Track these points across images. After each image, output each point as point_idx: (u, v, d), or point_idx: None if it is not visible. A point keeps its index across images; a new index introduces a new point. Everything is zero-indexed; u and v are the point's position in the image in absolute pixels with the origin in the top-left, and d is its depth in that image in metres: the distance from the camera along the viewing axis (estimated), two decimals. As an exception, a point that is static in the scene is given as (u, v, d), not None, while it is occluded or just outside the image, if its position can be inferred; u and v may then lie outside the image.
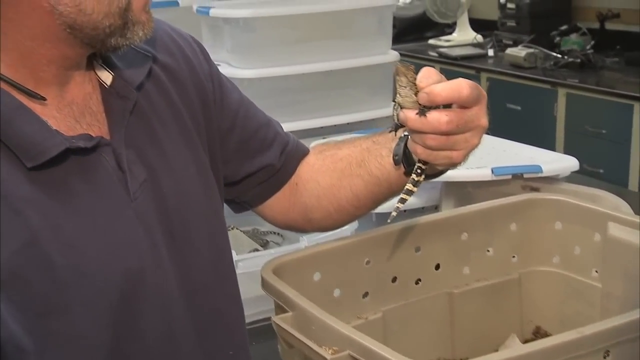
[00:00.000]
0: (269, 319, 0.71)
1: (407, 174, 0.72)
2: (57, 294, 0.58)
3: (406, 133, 0.71)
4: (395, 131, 0.71)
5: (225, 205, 0.81)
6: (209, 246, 0.72)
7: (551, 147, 2.80)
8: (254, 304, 1.07)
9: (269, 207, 0.84)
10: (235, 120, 0.79)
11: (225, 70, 1.70)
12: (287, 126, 1.73)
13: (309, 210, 0.82)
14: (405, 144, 0.72)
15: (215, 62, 1.87)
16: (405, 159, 0.73)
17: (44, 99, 0.61)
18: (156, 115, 0.69)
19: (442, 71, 3.23)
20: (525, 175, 1.20)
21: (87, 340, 0.60)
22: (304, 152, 0.85)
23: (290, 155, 0.83)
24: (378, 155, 0.77)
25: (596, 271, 0.88)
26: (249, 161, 0.80)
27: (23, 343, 0.57)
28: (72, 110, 0.64)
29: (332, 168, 0.81)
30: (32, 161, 0.58)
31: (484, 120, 0.70)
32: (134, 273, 0.63)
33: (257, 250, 1.26)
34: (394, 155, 0.74)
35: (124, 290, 0.62)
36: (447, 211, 1.05)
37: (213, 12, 1.70)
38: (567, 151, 2.78)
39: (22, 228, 0.57)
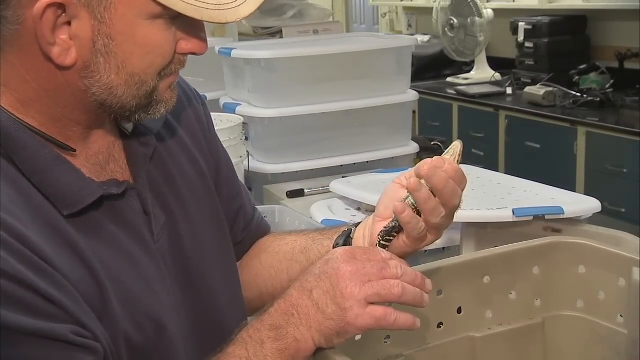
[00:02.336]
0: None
1: None
2: (110, 325, 0.61)
3: (350, 227, 0.78)
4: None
5: None
6: (224, 287, 0.75)
7: (571, 185, 2.78)
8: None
9: None
10: (220, 174, 0.82)
11: (246, 109, 1.73)
12: (307, 165, 1.76)
13: (245, 287, 0.84)
14: (348, 236, 0.77)
15: (236, 102, 1.91)
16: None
17: (74, 150, 0.65)
18: (172, 161, 0.74)
19: (460, 109, 3.26)
20: (546, 217, 1.19)
21: None
22: (265, 232, 0.89)
23: (251, 232, 0.87)
24: (320, 244, 0.81)
25: (621, 316, 0.87)
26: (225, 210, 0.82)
27: None
28: (98, 159, 0.68)
29: (277, 250, 0.85)
30: (69, 209, 0.61)
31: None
32: (159, 311, 0.66)
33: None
34: (334, 245, 0.78)
35: (151, 326, 0.66)
36: (469, 254, 1.05)
37: (235, 53, 1.74)
38: (588, 190, 2.76)
39: (81, 260, 0.60)
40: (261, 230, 0.88)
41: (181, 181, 0.73)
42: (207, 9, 0.61)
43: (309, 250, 0.81)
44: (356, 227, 0.79)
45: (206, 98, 2.15)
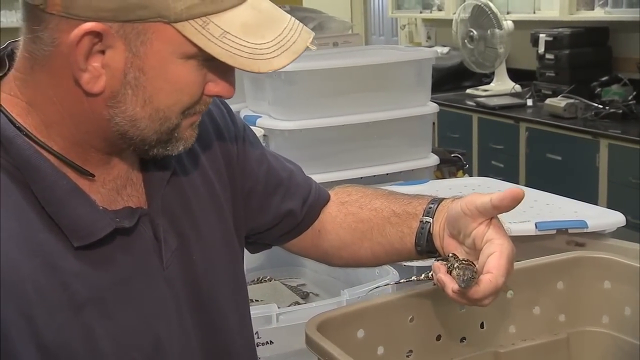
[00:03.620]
0: (312, 375, 0.71)
1: (426, 256, 0.80)
2: None
3: (427, 220, 0.79)
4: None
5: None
6: (234, 309, 0.75)
7: (593, 198, 2.75)
8: (291, 358, 1.06)
9: (289, 246, 0.89)
10: (257, 178, 0.81)
11: (266, 122, 1.73)
12: (327, 177, 1.76)
13: (329, 256, 0.88)
14: (428, 233, 0.78)
15: (257, 114, 1.91)
16: (427, 249, 0.79)
17: (93, 175, 0.65)
18: (189, 183, 0.73)
19: (480, 121, 3.23)
20: (570, 231, 1.18)
21: None
22: (325, 199, 0.88)
23: (312, 205, 0.86)
24: (399, 231, 0.81)
25: (648, 333, 0.86)
26: (271, 214, 0.83)
27: None
28: (115, 184, 0.67)
29: (354, 227, 0.85)
30: (80, 241, 0.61)
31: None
32: (162, 341, 0.66)
33: (297, 303, 1.26)
34: (417, 246, 0.79)
35: (152, 357, 0.65)
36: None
37: (256, 65, 1.75)
38: (610, 203, 2.73)
39: (69, 301, 0.60)
40: (322, 199, 0.87)
41: (195, 203, 0.73)
42: (242, 56, 0.60)
43: (388, 233, 0.82)
44: (433, 217, 0.79)
45: (227, 110, 2.14)
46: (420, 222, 0.78)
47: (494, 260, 0.70)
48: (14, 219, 0.59)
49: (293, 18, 0.64)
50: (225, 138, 0.79)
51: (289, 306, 1.22)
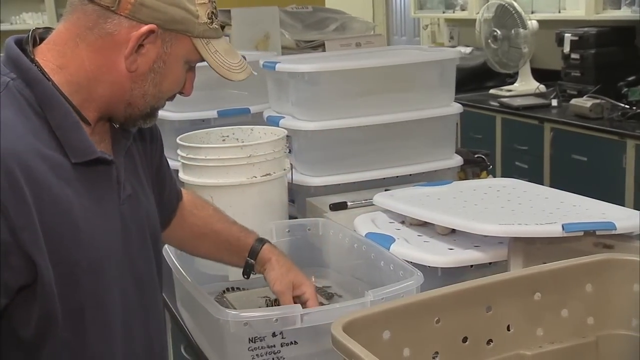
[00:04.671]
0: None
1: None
2: (80, 251, 0.84)
3: (251, 262, 1.19)
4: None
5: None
6: (158, 250, 1.05)
7: (620, 199, 2.71)
8: (315, 358, 1.06)
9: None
10: (160, 169, 1.10)
11: (289, 122, 1.74)
12: (351, 177, 1.76)
13: (185, 247, 1.26)
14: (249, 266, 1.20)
15: (280, 115, 1.92)
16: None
17: (89, 123, 0.90)
18: (137, 154, 1.01)
19: (503, 121, 3.20)
20: (597, 233, 1.16)
21: (87, 285, 0.86)
22: (179, 195, 1.19)
23: (172, 202, 1.18)
24: (230, 257, 1.22)
25: (679, 337, 0.84)
26: (162, 203, 1.11)
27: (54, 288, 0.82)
28: (96, 137, 0.91)
29: (197, 236, 1.21)
30: (77, 158, 0.85)
31: None
32: (114, 247, 0.90)
33: (321, 304, 1.26)
34: (244, 274, 1.21)
35: (108, 254, 0.89)
36: (519, 270, 1.03)
37: (279, 67, 1.75)
38: (638, 204, 2.68)
39: (64, 198, 0.83)
40: (179, 198, 1.20)
41: (140, 169, 1.00)
42: (223, 67, 0.94)
43: (220, 252, 1.22)
44: (255, 259, 1.20)
45: (250, 111, 2.16)
46: (246, 261, 1.19)
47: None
48: (32, 136, 0.82)
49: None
50: (153, 140, 1.08)
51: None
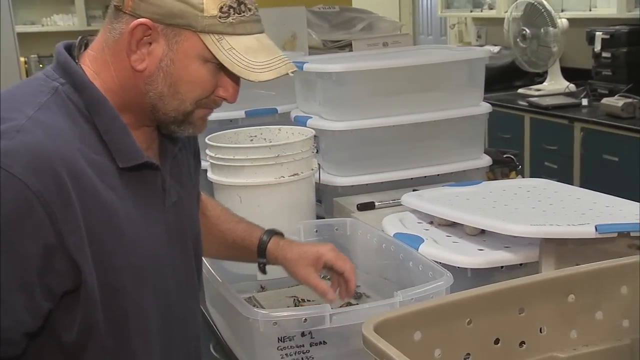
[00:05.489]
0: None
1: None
2: (124, 258, 0.83)
3: (262, 261, 1.19)
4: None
5: None
6: (199, 257, 1.04)
7: (653, 200, 2.66)
8: (345, 359, 1.06)
9: None
10: (197, 170, 1.10)
11: (316, 122, 1.74)
12: (378, 177, 1.76)
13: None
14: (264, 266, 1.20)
15: (307, 115, 1.92)
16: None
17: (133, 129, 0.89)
18: (182, 162, 0.99)
19: (532, 121, 3.15)
20: (632, 234, 1.14)
21: (129, 293, 0.85)
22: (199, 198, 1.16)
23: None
24: (239, 255, 1.22)
25: None
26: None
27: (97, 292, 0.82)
28: (142, 144, 0.89)
29: (206, 235, 1.11)
30: (124, 163, 0.85)
31: None
32: (160, 252, 0.90)
33: (350, 304, 1.26)
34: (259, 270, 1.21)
35: (153, 259, 0.89)
36: (553, 272, 1.01)
37: (307, 67, 1.75)
38: (671, 205, 2.62)
39: (110, 203, 0.82)
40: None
41: (184, 177, 1.00)
42: (239, 66, 0.85)
43: (229, 251, 1.23)
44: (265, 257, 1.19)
45: (277, 111, 2.16)
46: (259, 262, 1.19)
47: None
48: (80, 141, 0.82)
49: (284, 55, 0.88)
50: (194, 148, 1.08)
51: (341, 307, 1.21)
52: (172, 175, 0.94)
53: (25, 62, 4.62)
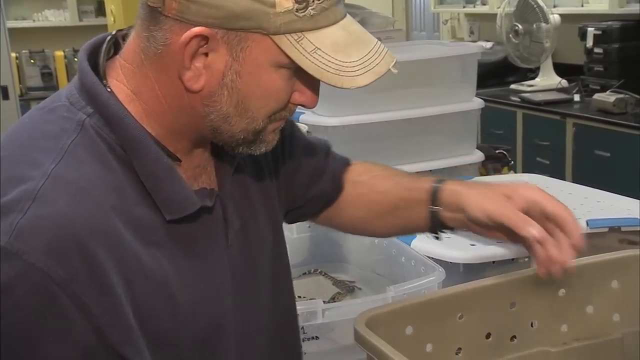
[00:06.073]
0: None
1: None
2: (182, 330, 0.68)
3: (434, 210, 0.85)
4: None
5: None
6: (273, 283, 0.83)
7: (644, 196, 2.67)
8: (342, 354, 1.06)
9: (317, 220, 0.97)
10: (300, 161, 0.90)
11: (309, 118, 1.73)
12: (371, 173, 1.74)
13: (344, 228, 0.99)
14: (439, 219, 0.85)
15: (300, 110, 1.91)
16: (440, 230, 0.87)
17: (180, 160, 0.72)
18: (248, 173, 0.81)
19: (524, 117, 3.17)
20: (622, 229, 1.15)
21: None
22: (345, 168, 0.95)
23: (337, 177, 0.94)
24: (409, 214, 0.89)
25: None
26: (308, 190, 0.91)
27: None
28: (194, 172, 0.74)
29: (367, 208, 0.93)
30: (173, 215, 0.68)
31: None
32: (224, 310, 0.74)
33: (339, 293, 1.26)
34: (430, 230, 0.88)
35: (217, 323, 0.73)
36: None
37: (300, 61, 1.75)
38: (662, 201, 2.64)
39: (157, 268, 0.66)
40: (342, 169, 0.95)
41: (252, 191, 0.81)
42: (328, 71, 0.65)
43: (401, 212, 0.90)
44: (439, 203, 0.85)
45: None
46: (430, 211, 0.85)
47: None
48: (114, 194, 0.64)
49: (379, 42, 0.69)
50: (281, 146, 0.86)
51: (331, 298, 1.22)
52: (234, 196, 0.77)
53: (17, 58, 4.59)
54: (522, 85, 3.64)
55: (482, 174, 1.92)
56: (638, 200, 1.30)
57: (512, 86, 3.70)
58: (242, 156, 0.77)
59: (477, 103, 1.85)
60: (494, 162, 2.05)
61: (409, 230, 0.94)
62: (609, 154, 2.96)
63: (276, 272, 0.83)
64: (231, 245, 0.75)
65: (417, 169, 1.80)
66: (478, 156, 1.88)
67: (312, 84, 0.69)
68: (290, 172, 0.89)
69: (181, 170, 0.71)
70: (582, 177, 2.99)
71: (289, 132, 0.88)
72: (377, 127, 1.74)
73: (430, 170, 1.81)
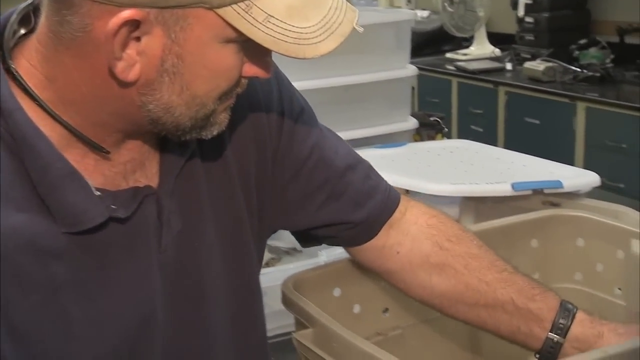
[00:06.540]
0: (288, 334, 0.71)
1: None
2: (69, 348, 0.59)
3: (558, 341, 0.72)
4: None
5: None
6: (233, 301, 0.71)
7: (570, 161, 2.78)
8: (272, 319, 1.07)
9: (352, 252, 0.79)
10: (300, 171, 0.74)
11: (244, 84, 1.71)
12: (306, 140, 1.74)
13: (393, 282, 0.78)
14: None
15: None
16: None
17: (108, 152, 0.62)
18: (205, 169, 0.69)
19: (459, 85, 3.22)
20: (545, 191, 1.19)
21: None
22: (392, 210, 0.77)
23: (371, 215, 0.76)
24: (515, 325, 0.74)
25: (619, 289, 0.87)
26: (314, 214, 0.75)
27: None
28: (124, 168, 0.64)
29: (454, 287, 0.75)
30: (68, 228, 0.59)
31: None
32: (146, 328, 0.63)
33: (273, 259, 1.26)
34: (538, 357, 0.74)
35: (133, 342, 0.62)
36: (468, 227, 1.05)
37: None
38: (587, 166, 2.76)
39: (46, 282, 0.58)
40: (388, 211, 0.77)
41: (208, 190, 0.69)
42: (286, 41, 0.56)
43: (499, 318, 0.73)
44: (564, 337, 0.72)
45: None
46: (550, 339, 0.72)
47: None
48: (3, 197, 0.56)
49: None
50: (263, 124, 0.72)
51: (265, 263, 1.22)
52: (180, 193, 0.66)
53: None
54: (457, 54, 3.69)
55: (416, 141, 1.95)
56: (561, 164, 1.35)
57: (448, 55, 3.75)
58: (199, 147, 0.67)
59: (411, 70, 1.87)
60: (428, 130, 2.08)
61: (495, 335, 0.76)
62: (538, 122, 3.05)
63: (238, 285, 0.71)
64: (165, 251, 0.64)
65: (352, 137, 1.80)
66: (412, 123, 1.91)
67: (264, 51, 0.60)
68: (286, 177, 0.74)
69: (103, 167, 0.62)
70: (513, 144, 3.06)
71: (293, 121, 0.74)
72: (311, 95, 1.71)
73: (366, 137, 1.83)
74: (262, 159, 0.72)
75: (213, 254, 0.68)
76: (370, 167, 0.79)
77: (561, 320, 0.72)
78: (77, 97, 0.59)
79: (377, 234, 0.75)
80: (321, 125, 0.79)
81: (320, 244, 0.80)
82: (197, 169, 0.67)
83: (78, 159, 0.60)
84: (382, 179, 0.79)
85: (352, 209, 0.75)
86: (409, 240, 0.76)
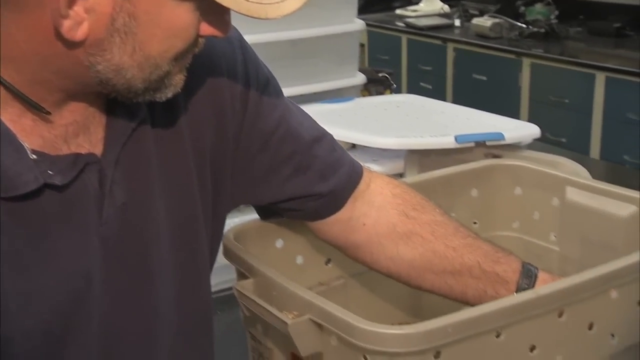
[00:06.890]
0: (231, 288, 0.71)
1: None
2: (9, 323, 0.56)
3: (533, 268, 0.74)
4: None
5: None
6: (179, 278, 0.67)
7: (515, 116, 2.83)
8: (217, 273, 1.07)
9: (313, 229, 0.77)
10: (267, 144, 0.71)
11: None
12: (252, 96, 1.72)
13: (359, 256, 0.77)
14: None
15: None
16: None
17: (49, 113, 0.57)
18: (157, 136, 0.65)
19: (409, 42, 3.22)
20: (487, 143, 1.21)
21: None
22: (356, 182, 0.75)
23: (336, 187, 0.74)
24: (481, 289, 0.74)
25: (555, 235, 0.90)
26: (279, 187, 0.72)
27: None
28: (65, 130, 0.60)
29: (422, 255, 0.74)
30: (3, 192, 0.55)
31: None
32: (81, 303, 0.60)
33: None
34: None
35: (65, 317, 0.59)
36: (408, 178, 1.06)
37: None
38: (531, 120, 2.81)
39: None
40: (353, 183, 0.75)
41: (158, 160, 0.65)
42: (248, 1, 0.53)
43: (464, 281, 0.73)
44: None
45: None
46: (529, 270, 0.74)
47: None
48: None
49: None
50: (223, 93, 0.69)
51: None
52: (126, 163, 0.62)
53: None
54: (407, 10, 3.69)
55: (364, 96, 1.95)
56: (503, 117, 1.37)
57: (397, 11, 3.74)
58: (151, 113, 0.63)
59: (359, 24, 1.85)
60: (377, 86, 2.08)
61: (462, 301, 0.75)
62: (485, 78, 3.09)
63: (184, 262, 0.67)
64: (106, 223, 0.60)
65: (299, 92, 1.79)
66: (360, 79, 1.90)
67: (222, 10, 0.56)
68: (252, 149, 0.71)
69: (41, 129, 0.58)
70: (461, 100, 3.11)
71: (258, 93, 0.71)
72: (257, 49, 1.69)
73: (315, 93, 1.82)
74: (222, 129, 0.69)
75: (160, 228, 0.64)
76: (334, 140, 0.77)
77: (525, 281, 0.73)
78: (17, 54, 0.55)
79: (342, 207, 0.74)
80: (285, 97, 0.77)
81: (283, 218, 0.78)
82: (146, 137, 0.63)
83: (14, 118, 0.56)
84: (345, 151, 0.77)
85: (317, 182, 0.73)
86: (374, 210, 0.75)
